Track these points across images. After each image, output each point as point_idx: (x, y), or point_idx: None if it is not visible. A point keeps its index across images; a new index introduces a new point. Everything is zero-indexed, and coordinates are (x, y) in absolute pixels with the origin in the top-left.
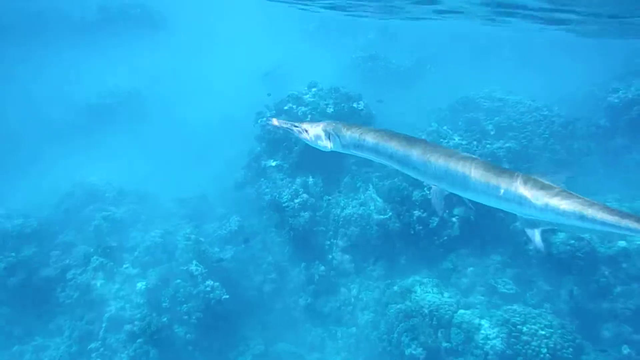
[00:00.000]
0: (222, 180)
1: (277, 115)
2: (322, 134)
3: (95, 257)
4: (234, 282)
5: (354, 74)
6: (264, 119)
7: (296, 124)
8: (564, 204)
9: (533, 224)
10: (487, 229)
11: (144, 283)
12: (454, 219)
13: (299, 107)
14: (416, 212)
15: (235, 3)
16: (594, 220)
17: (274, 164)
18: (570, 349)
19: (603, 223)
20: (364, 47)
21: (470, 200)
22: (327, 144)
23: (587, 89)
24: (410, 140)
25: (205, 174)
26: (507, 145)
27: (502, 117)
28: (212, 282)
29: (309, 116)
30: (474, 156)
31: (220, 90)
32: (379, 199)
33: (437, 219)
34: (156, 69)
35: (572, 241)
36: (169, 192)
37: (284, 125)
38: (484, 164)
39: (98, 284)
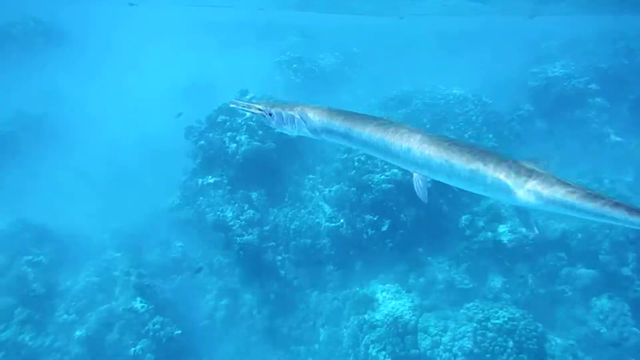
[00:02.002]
0: (156, 204)
1: (211, 129)
2: (288, 118)
3: (19, 309)
4: (183, 314)
5: (280, 78)
6: (231, 102)
7: (260, 107)
8: (559, 194)
9: (525, 211)
10: (438, 226)
11: (82, 330)
12: (404, 218)
13: (234, 118)
14: (367, 217)
15: (144, 15)
16: (595, 213)
17: (212, 180)
18: (534, 340)
19: (605, 215)
20: (287, 49)
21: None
22: (292, 129)
23: (508, 75)
24: (387, 125)
25: (135, 199)
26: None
27: (435, 110)
28: (160, 318)
29: (245, 126)
30: (459, 141)
31: (139, 108)
32: (327, 206)
33: (388, 222)
34: (63, 89)
35: (521, 229)
36: (98, 223)
37: (247, 108)
38: (469, 149)
39: (27, 339)
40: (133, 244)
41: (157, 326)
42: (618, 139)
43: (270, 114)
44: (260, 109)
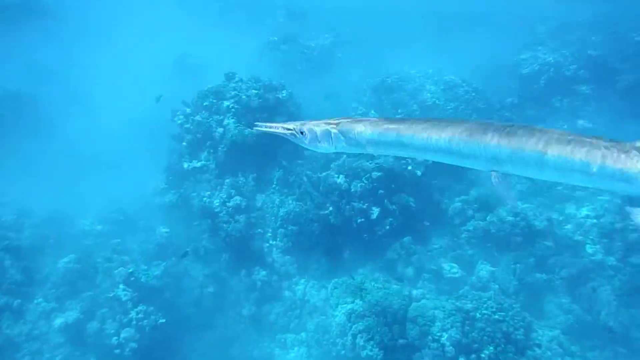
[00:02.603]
0: (140, 188)
1: (198, 112)
2: (323, 135)
3: None
4: (168, 302)
5: (268, 60)
6: (257, 124)
7: (289, 127)
8: None
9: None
10: (426, 214)
11: (62, 318)
12: (394, 207)
13: (221, 102)
14: (356, 204)
15: None
16: None
17: (198, 164)
18: (522, 330)
19: None
20: (275, 31)
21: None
22: (329, 146)
23: (500, 59)
24: (455, 122)
25: (119, 183)
26: None
27: (425, 95)
28: (144, 307)
29: (233, 110)
30: (540, 127)
31: (123, 86)
32: (315, 192)
33: (378, 210)
34: (45, 64)
35: (510, 218)
36: (80, 207)
37: (275, 131)
38: (559, 134)
39: (4, 327)
40: (116, 228)
41: (140, 315)
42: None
43: (302, 132)
44: (289, 129)
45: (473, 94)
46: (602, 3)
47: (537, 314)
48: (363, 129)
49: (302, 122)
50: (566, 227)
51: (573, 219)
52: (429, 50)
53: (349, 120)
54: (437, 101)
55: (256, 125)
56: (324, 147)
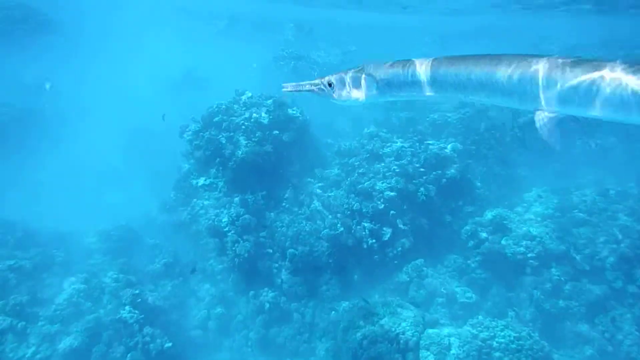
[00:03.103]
0: (147, 205)
1: (207, 128)
2: (353, 81)
3: (1, 318)
4: (175, 324)
5: (277, 75)
6: (284, 85)
7: (315, 82)
8: None
9: None
10: (440, 236)
11: (67, 341)
12: (406, 228)
13: (231, 118)
14: (367, 225)
15: (135, 3)
16: None
17: (206, 182)
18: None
19: None
20: (283, 46)
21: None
22: (359, 95)
23: None
24: (496, 57)
25: (126, 200)
26: (451, 145)
27: (436, 114)
28: (150, 329)
29: (243, 127)
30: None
31: (132, 102)
32: (326, 212)
33: (390, 231)
34: (54, 80)
35: (525, 241)
36: (86, 224)
37: (303, 89)
38: (624, 63)
39: (7, 350)
40: (123, 247)
41: (147, 338)
42: (621, 150)
43: (330, 84)
44: (316, 84)
45: (484, 113)
46: (607, 26)
47: (555, 343)
48: (394, 70)
49: (330, 74)
50: (585, 251)
51: (591, 243)
52: None
53: (378, 64)
54: (448, 119)
55: (284, 87)
56: (354, 97)
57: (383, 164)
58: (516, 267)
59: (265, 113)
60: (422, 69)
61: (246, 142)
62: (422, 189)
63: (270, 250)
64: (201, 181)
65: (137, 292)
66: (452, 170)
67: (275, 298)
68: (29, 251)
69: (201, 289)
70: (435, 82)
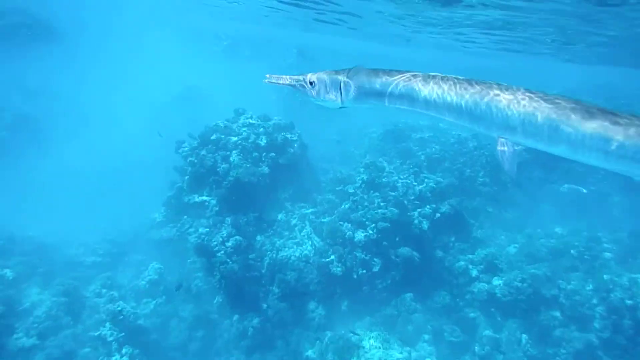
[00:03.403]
0: (137, 220)
1: (203, 146)
2: (332, 84)
3: None
4: (154, 344)
5: (276, 98)
6: (266, 76)
7: (297, 78)
8: None
9: None
10: (431, 271)
11: (42, 357)
12: (397, 260)
13: (229, 137)
14: (359, 254)
15: (140, 14)
16: None
17: (199, 199)
18: None
19: None
20: (285, 71)
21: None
22: (337, 97)
23: None
24: (461, 80)
25: (115, 214)
26: (447, 180)
27: (432, 148)
28: (130, 349)
29: (240, 147)
30: (554, 96)
31: (129, 116)
32: (317, 238)
33: (380, 262)
34: (51, 89)
35: (516, 283)
36: (73, 237)
37: (283, 82)
38: (582, 105)
39: None
40: (108, 261)
41: (125, 358)
42: (616, 198)
43: (311, 83)
44: (298, 80)
45: (482, 150)
46: (600, 74)
47: None
48: (374, 79)
49: (312, 73)
50: (574, 298)
51: (582, 290)
52: None
53: (359, 69)
54: (445, 154)
55: (266, 78)
56: (332, 99)
57: (378, 194)
58: (505, 308)
59: (264, 135)
60: (398, 82)
61: (242, 162)
62: (415, 221)
63: (258, 274)
64: (194, 199)
65: (119, 309)
66: (447, 206)
67: (260, 324)
68: (11, 259)
69: (184, 309)
70: (408, 97)
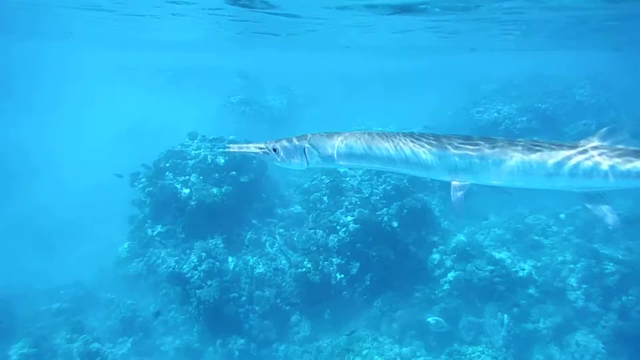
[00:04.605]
0: (100, 260)
1: (160, 174)
2: (296, 150)
3: None
4: None
5: (227, 121)
6: (225, 147)
7: (261, 145)
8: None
9: (596, 198)
10: (406, 267)
11: None
12: (373, 261)
13: (185, 162)
14: (334, 259)
15: (85, 58)
16: None
17: (163, 229)
18: None
19: None
20: (232, 93)
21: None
22: (302, 161)
23: (453, 114)
24: (413, 135)
25: (76, 256)
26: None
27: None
28: None
29: (199, 169)
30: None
31: (76, 157)
32: (290, 251)
33: (357, 265)
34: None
35: (489, 267)
36: (33, 285)
37: (247, 150)
38: (520, 141)
39: None
40: (75, 306)
41: None
42: None
43: (274, 150)
44: (261, 147)
45: None
46: (534, 65)
47: None
48: (335, 144)
49: (273, 141)
50: (545, 273)
51: (550, 265)
52: (383, 109)
53: (321, 135)
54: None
55: (227, 147)
56: (297, 164)
57: (344, 198)
58: (483, 293)
59: (222, 155)
60: (356, 143)
61: (203, 184)
62: (385, 220)
63: (236, 295)
64: (157, 229)
65: (94, 350)
66: (412, 201)
67: (245, 345)
68: None
69: (164, 342)
70: (366, 156)
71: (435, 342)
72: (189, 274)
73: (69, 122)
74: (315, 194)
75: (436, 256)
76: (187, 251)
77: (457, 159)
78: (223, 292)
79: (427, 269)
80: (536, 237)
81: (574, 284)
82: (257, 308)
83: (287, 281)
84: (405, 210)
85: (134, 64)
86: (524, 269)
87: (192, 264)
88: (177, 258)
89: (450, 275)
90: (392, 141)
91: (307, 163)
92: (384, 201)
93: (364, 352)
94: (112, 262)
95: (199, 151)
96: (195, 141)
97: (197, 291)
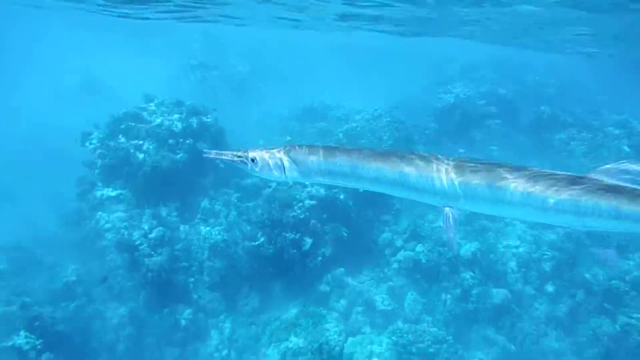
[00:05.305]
0: (44, 221)
1: (113, 136)
2: (275, 163)
3: None
4: (78, 349)
5: (184, 85)
6: (205, 151)
7: (239, 154)
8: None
9: (603, 240)
10: (358, 245)
11: None
12: (327, 237)
13: (140, 125)
14: (289, 235)
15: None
16: None
17: (113, 193)
18: None
19: None
20: (191, 55)
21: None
22: (281, 174)
23: (414, 94)
24: (402, 157)
25: (18, 216)
26: None
27: (350, 125)
28: (51, 356)
29: (154, 135)
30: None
31: (24, 110)
32: (244, 223)
33: (310, 241)
34: None
35: (438, 248)
36: None
37: (224, 157)
38: (522, 169)
39: None
40: (15, 267)
41: None
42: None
43: (253, 160)
44: (239, 156)
45: (395, 125)
46: (496, 48)
47: (466, 345)
48: (316, 159)
49: (251, 149)
50: (489, 256)
51: (494, 249)
52: (345, 83)
53: (302, 149)
54: (361, 131)
55: (204, 153)
56: (276, 176)
57: None
58: (429, 273)
59: (178, 120)
60: (340, 160)
61: (157, 150)
62: (341, 197)
63: (186, 264)
64: (107, 192)
65: (33, 315)
66: None
67: (193, 314)
68: None
69: (108, 308)
70: (353, 174)
71: (380, 319)
72: (139, 241)
73: (15, 75)
74: None
75: (387, 235)
76: (138, 217)
77: (459, 190)
78: (173, 261)
79: (378, 247)
80: (484, 222)
81: (514, 268)
82: (206, 278)
83: (239, 253)
84: (362, 189)
85: (90, 20)
86: (469, 252)
87: (143, 231)
88: (126, 224)
89: (400, 255)
90: (379, 164)
91: (286, 177)
92: None
93: (310, 327)
94: (56, 224)
95: (155, 116)
96: (152, 105)
97: (146, 259)
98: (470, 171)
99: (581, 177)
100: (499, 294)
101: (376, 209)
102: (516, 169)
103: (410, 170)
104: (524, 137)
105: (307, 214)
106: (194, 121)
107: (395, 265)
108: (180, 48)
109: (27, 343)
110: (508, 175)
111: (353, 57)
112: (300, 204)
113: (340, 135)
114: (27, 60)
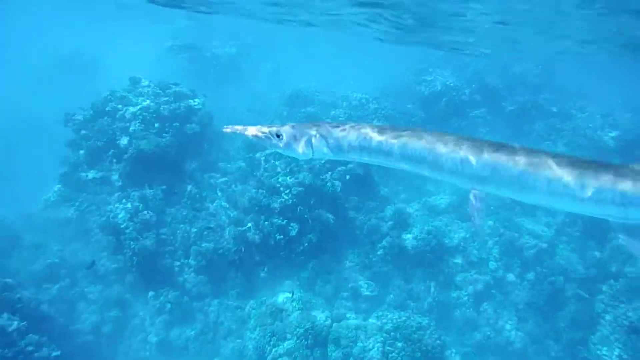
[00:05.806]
0: (27, 201)
1: (98, 117)
2: (302, 137)
3: None
4: (62, 330)
5: (169, 66)
6: (226, 126)
7: (263, 130)
8: None
9: (634, 231)
10: (344, 231)
11: None
12: (313, 223)
13: (126, 107)
14: (276, 221)
15: None
16: None
17: (98, 175)
18: (438, 348)
19: None
20: (177, 35)
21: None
22: (308, 151)
23: (400, 81)
24: (436, 134)
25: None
26: None
27: (337, 111)
28: (35, 337)
29: (140, 117)
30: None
31: (3, 89)
32: (231, 208)
33: (297, 226)
34: None
35: (423, 235)
36: None
37: (247, 133)
38: (564, 157)
39: None
40: None
41: (30, 347)
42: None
43: (278, 135)
44: (263, 132)
45: (383, 112)
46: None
47: (448, 331)
48: (348, 135)
49: (277, 125)
50: (473, 244)
51: (478, 236)
52: (331, 69)
53: (332, 124)
54: (349, 116)
55: (227, 128)
56: (301, 152)
57: (290, 159)
58: (414, 260)
59: (165, 104)
60: (373, 136)
61: (144, 133)
62: (328, 184)
63: (172, 248)
64: (92, 174)
65: (16, 296)
66: (355, 167)
67: (178, 298)
68: None
69: (92, 291)
70: (384, 151)
71: (365, 304)
72: (124, 225)
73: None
74: (261, 152)
75: (374, 222)
76: (124, 200)
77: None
78: (159, 245)
79: (365, 233)
80: (468, 209)
81: (497, 255)
82: (193, 262)
83: (225, 238)
84: (348, 176)
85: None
86: (454, 239)
87: (128, 215)
88: (111, 206)
89: (385, 241)
90: (410, 142)
91: (313, 152)
92: (328, 165)
93: (296, 312)
94: (40, 204)
95: (142, 98)
96: (139, 87)
97: (131, 242)
98: (503, 154)
99: (624, 167)
100: (481, 280)
101: (362, 195)
102: (554, 155)
103: (444, 150)
104: (508, 126)
105: (295, 200)
106: (181, 105)
107: (380, 252)
108: (167, 26)
109: (9, 324)
110: (542, 165)
111: (344, 42)
112: (288, 190)
113: (329, 120)
114: (4, 38)
